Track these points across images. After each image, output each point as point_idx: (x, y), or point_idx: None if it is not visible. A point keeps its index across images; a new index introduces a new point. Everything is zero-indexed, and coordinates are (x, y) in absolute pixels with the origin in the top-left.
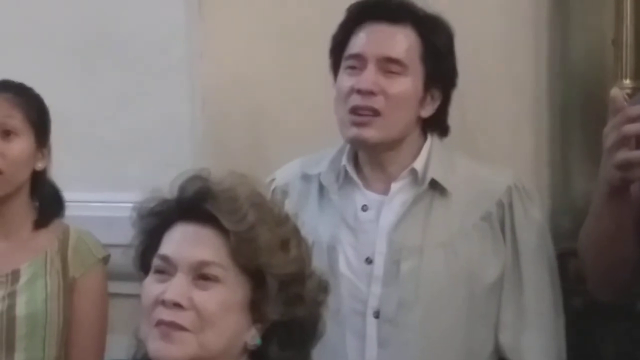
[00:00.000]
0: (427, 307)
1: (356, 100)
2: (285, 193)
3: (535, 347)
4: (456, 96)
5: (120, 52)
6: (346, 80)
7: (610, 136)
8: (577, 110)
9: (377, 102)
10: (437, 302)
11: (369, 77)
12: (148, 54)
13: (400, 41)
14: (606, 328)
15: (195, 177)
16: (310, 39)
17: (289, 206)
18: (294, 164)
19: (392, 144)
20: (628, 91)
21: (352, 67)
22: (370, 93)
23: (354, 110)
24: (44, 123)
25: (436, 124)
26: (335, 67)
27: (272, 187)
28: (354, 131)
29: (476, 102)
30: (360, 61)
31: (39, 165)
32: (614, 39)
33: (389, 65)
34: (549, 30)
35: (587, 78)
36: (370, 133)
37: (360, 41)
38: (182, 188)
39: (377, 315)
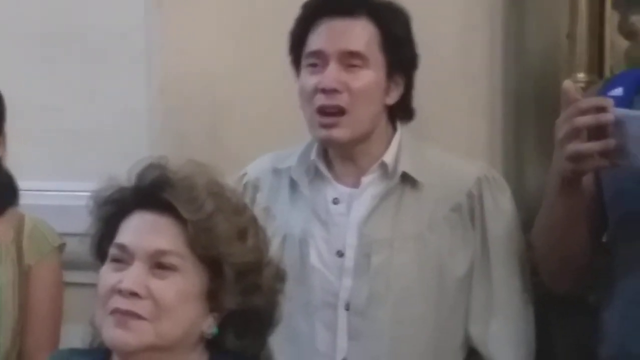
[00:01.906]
0: (397, 299)
1: (321, 99)
2: (256, 188)
3: (502, 336)
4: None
5: (79, 42)
6: (309, 78)
7: (562, 128)
8: (531, 103)
9: (342, 100)
10: (407, 295)
11: (332, 74)
12: (107, 45)
13: (358, 34)
14: (560, 320)
15: (153, 166)
16: (269, 31)
17: (260, 200)
18: (265, 158)
19: (362, 138)
20: (582, 84)
21: (314, 65)
22: (334, 91)
23: (321, 111)
24: None
25: (402, 109)
26: (296, 63)
27: (244, 181)
28: (323, 132)
29: (431, 94)
30: (321, 58)
31: None
32: (568, 32)
33: (350, 59)
34: (505, 24)
35: (542, 71)
36: (340, 133)
37: (318, 38)
38: (140, 176)
39: (348, 307)
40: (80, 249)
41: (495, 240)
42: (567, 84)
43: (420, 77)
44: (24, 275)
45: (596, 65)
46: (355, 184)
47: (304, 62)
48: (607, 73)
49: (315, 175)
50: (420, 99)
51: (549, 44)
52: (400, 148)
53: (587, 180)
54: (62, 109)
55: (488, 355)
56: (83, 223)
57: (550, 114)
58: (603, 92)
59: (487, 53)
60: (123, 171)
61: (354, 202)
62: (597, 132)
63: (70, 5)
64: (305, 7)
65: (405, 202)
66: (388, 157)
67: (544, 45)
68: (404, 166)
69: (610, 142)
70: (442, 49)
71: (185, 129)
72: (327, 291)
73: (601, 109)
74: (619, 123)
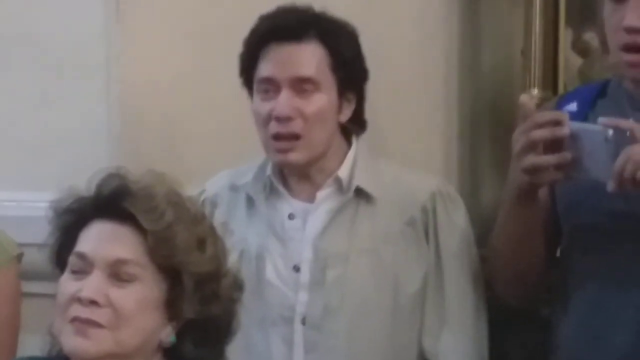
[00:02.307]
0: (352, 313)
1: (275, 127)
2: (214, 204)
3: (454, 349)
4: (367, 104)
5: (37, 52)
6: (262, 105)
7: (519, 141)
8: (486, 118)
9: (296, 126)
10: (362, 309)
11: (284, 102)
12: (65, 55)
13: (308, 59)
14: (514, 334)
15: (113, 175)
16: (227, 44)
17: (218, 216)
18: (223, 175)
19: (317, 158)
20: (536, 101)
21: (266, 91)
22: (288, 118)
23: (276, 137)
24: None
25: (355, 123)
26: (248, 85)
27: (202, 198)
28: (279, 157)
29: (387, 109)
30: (272, 85)
31: None
32: (522, 49)
33: (302, 84)
34: (460, 39)
35: (496, 87)
36: (295, 156)
37: (269, 64)
38: (100, 185)
39: (304, 321)
40: (39, 259)
41: (449, 255)
42: (523, 98)
43: (376, 92)
44: None
45: (550, 81)
46: (311, 199)
47: (256, 87)
48: (561, 89)
49: (271, 191)
50: (375, 114)
51: (503, 60)
52: (354, 163)
53: (542, 192)
54: (19, 118)
55: None
56: (41, 233)
57: (505, 129)
58: (558, 107)
59: (442, 69)
60: (81, 181)
61: (309, 217)
62: (553, 145)
63: (28, 14)
64: (253, 33)
65: (360, 217)
66: (342, 172)
67: (498, 61)
68: (359, 181)
69: (566, 155)
70: (397, 63)
71: (143, 139)
72: (284, 305)
73: (557, 123)
74: (574, 137)
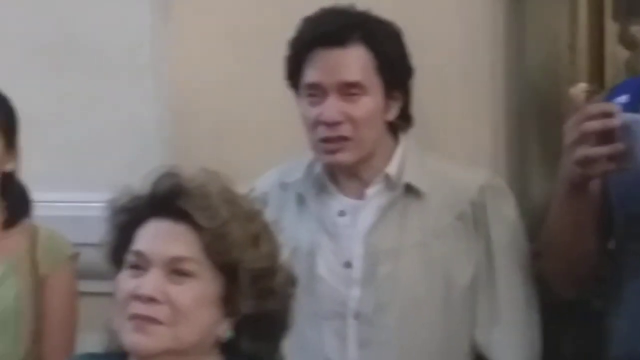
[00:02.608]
0: (404, 308)
1: (324, 132)
2: (264, 202)
3: (506, 342)
4: (415, 100)
5: (89, 54)
6: (309, 110)
7: (570, 133)
8: (533, 113)
9: (345, 130)
10: (413, 303)
11: (332, 107)
12: (116, 56)
13: (353, 64)
14: (565, 326)
15: (168, 174)
16: (274, 43)
17: (268, 214)
18: (272, 173)
19: (366, 158)
20: (584, 94)
21: (313, 95)
22: (336, 123)
23: (325, 141)
24: (12, 125)
25: (401, 119)
26: (295, 87)
27: (251, 196)
28: (328, 158)
29: (435, 106)
30: (319, 90)
31: (8, 167)
32: (569, 43)
33: (348, 89)
34: (506, 34)
35: (543, 81)
36: (344, 157)
37: (315, 71)
38: (155, 184)
39: (356, 316)
40: (95, 258)
41: (499, 248)
42: (575, 90)
43: (423, 88)
44: (39, 285)
45: (597, 75)
46: (360, 196)
47: (303, 92)
48: (607, 82)
49: (320, 189)
50: (423, 110)
51: (549, 54)
52: (403, 159)
53: (594, 184)
54: (73, 120)
55: None
56: (95, 233)
57: (553, 123)
58: (608, 99)
59: (489, 64)
60: (134, 181)
61: (359, 213)
62: (605, 137)
63: (78, 17)
64: (298, 38)
65: (409, 212)
66: (391, 169)
67: (545, 55)
68: (408, 177)
69: (618, 146)
70: (445, 60)
71: (193, 138)
72: (336, 301)
73: (608, 114)
74: (626, 127)
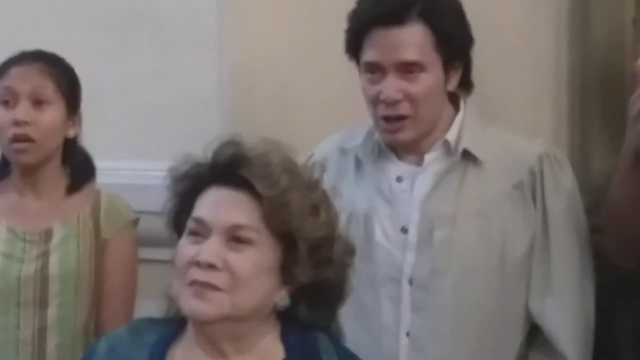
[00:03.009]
0: (459, 274)
1: (383, 110)
2: (323, 167)
3: (559, 310)
4: (477, 75)
5: (153, 27)
6: (369, 88)
7: (636, 105)
8: (596, 90)
9: (404, 109)
10: (469, 270)
11: (391, 86)
12: (179, 30)
13: (411, 43)
14: (624, 304)
15: (229, 143)
16: (335, 17)
17: (327, 179)
18: (332, 139)
19: (427, 132)
20: None
21: (372, 73)
22: (395, 102)
23: (385, 119)
24: (74, 92)
25: (462, 87)
26: (355, 59)
27: (311, 162)
28: (388, 137)
29: (496, 81)
30: (378, 69)
31: (70, 133)
32: (634, 18)
33: (407, 67)
34: (570, 9)
35: (607, 57)
36: (405, 135)
37: (373, 50)
38: (217, 153)
39: (411, 282)
40: (156, 226)
41: (555, 218)
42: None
43: (486, 63)
44: (100, 249)
45: None
46: (419, 162)
47: (362, 68)
48: None
49: (379, 154)
50: (485, 84)
51: (614, 29)
52: (462, 126)
53: None
54: (135, 90)
55: (547, 330)
56: (157, 201)
57: (616, 99)
58: None
59: (553, 39)
60: (195, 151)
61: (417, 179)
62: None
63: None
64: (356, 15)
65: (467, 179)
66: (450, 135)
67: (609, 31)
68: (466, 143)
69: None
70: (507, 33)
71: (253, 111)
72: (392, 266)
73: None
74: None
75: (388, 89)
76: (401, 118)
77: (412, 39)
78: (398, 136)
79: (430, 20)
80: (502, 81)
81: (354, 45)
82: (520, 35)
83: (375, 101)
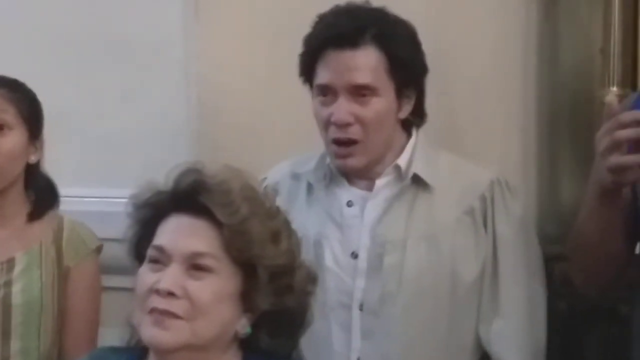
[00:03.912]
0: (409, 299)
1: (334, 132)
2: (275, 191)
3: (505, 335)
4: (446, 101)
5: (118, 51)
6: (321, 110)
7: (603, 141)
8: (565, 117)
9: (355, 133)
10: (419, 295)
11: (342, 109)
12: (145, 54)
13: (364, 66)
14: (590, 331)
15: (190, 170)
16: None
17: (279, 203)
18: (284, 164)
19: (377, 160)
20: (616, 98)
21: (324, 96)
22: (346, 124)
23: (336, 142)
24: (36, 117)
25: (415, 116)
26: (309, 83)
27: (264, 185)
28: (338, 162)
29: (465, 108)
30: (330, 91)
31: (32, 159)
32: (602, 47)
33: (359, 91)
34: (539, 38)
35: (575, 85)
36: (354, 162)
37: (326, 72)
38: (177, 180)
39: (361, 307)
40: (119, 253)
41: (504, 243)
42: (609, 99)
43: (454, 90)
44: (63, 276)
45: (630, 79)
46: (369, 187)
47: (315, 91)
48: None
49: (331, 179)
50: (453, 112)
51: (582, 59)
52: (413, 152)
53: (625, 190)
54: (101, 116)
55: (494, 355)
56: (122, 228)
57: (584, 127)
58: (638, 101)
59: (521, 67)
60: (161, 178)
61: (367, 204)
62: (638, 144)
63: (109, 14)
64: (310, 37)
65: (417, 204)
66: (401, 161)
67: (577, 59)
68: (416, 169)
69: None
70: (476, 61)
71: (221, 136)
72: (342, 292)
73: None
74: None
75: (339, 111)
76: (351, 142)
77: (365, 62)
78: (348, 162)
79: (384, 44)
80: (470, 110)
81: (308, 68)
82: (489, 65)
83: (326, 124)
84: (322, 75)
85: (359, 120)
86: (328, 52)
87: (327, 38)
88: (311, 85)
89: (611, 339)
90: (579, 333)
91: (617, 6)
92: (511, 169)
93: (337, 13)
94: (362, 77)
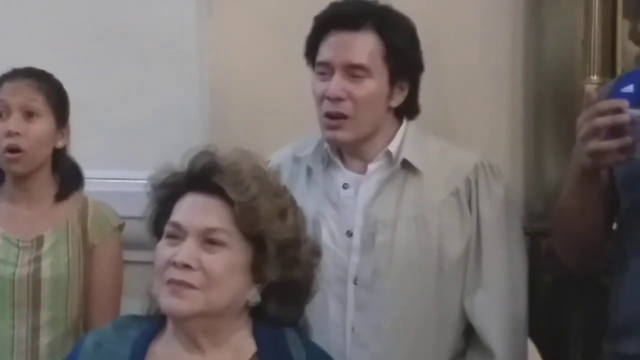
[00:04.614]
0: (399, 275)
1: (327, 106)
2: (278, 174)
3: (487, 308)
4: (439, 90)
5: (137, 44)
6: (318, 85)
7: (583, 127)
8: (549, 105)
9: (345, 108)
10: (408, 271)
11: (336, 84)
12: (162, 47)
13: (362, 47)
14: (574, 300)
15: (204, 153)
16: (305, 35)
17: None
18: (287, 147)
19: (365, 138)
20: (595, 86)
21: (322, 73)
22: (338, 99)
23: (327, 115)
24: (63, 105)
25: (407, 108)
26: (312, 66)
27: (267, 167)
28: (329, 134)
29: (457, 97)
30: (328, 68)
31: (59, 144)
32: (583, 39)
33: (354, 70)
34: (525, 31)
35: (559, 75)
36: (343, 135)
37: (327, 50)
38: (192, 162)
39: (355, 282)
40: (139, 230)
41: (487, 223)
42: (588, 88)
43: (448, 80)
44: (88, 253)
45: (609, 69)
46: (363, 171)
47: (315, 69)
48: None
49: (328, 163)
50: (447, 100)
51: (565, 50)
52: (403, 139)
53: (603, 171)
54: (121, 104)
55: (477, 326)
56: (141, 207)
57: (567, 113)
58: (616, 88)
59: (509, 57)
60: (175, 160)
61: (361, 186)
62: (614, 130)
63: (128, 11)
64: (317, 20)
65: (407, 187)
66: (392, 147)
67: (560, 51)
68: (405, 154)
69: (627, 140)
70: (468, 55)
71: (232, 121)
72: (338, 267)
73: (617, 110)
74: (634, 122)
75: (334, 86)
76: (342, 116)
77: (363, 45)
78: (337, 134)
79: (383, 32)
80: (462, 97)
81: (312, 47)
82: (480, 58)
83: (321, 98)
84: (323, 53)
85: (351, 97)
86: (331, 33)
87: (332, 19)
88: (314, 66)
89: (593, 308)
90: (563, 302)
91: (597, 1)
92: (500, 151)
93: (347, 1)
94: (358, 58)
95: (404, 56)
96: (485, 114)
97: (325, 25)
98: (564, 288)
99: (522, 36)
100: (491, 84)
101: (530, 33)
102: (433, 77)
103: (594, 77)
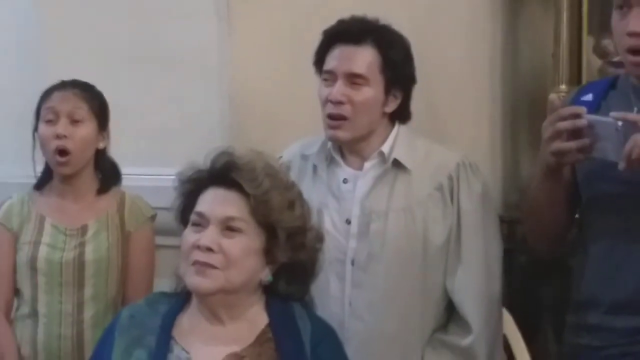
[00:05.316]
0: (390, 259)
1: (330, 108)
2: (288, 169)
3: (465, 287)
4: (427, 97)
5: (168, 61)
6: (323, 90)
7: (547, 130)
8: (524, 110)
9: (345, 110)
10: (398, 254)
11: (338, 89)
12: (187, 62)
13: (362, 59)
14: (545, 278)
15: (224, 153)
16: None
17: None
18: (295, 145)
19: (362, 138)
20: (563, 94)
21: (327, 80)
22: (340, 103)
23: (329, 116)
24: (103, 112)
25: (400, 114)
26: (320, 72)
27: (279, 163)
28: (330, 132)
29: (443, 101)
30: (332, 76)
31: (100, 145)
32: (553, 53)
33: (354, 78)
34: (503, 46)
35: (532, 84)
36: (342, 134)
37: (331, 60)
38: (213, 161)
39: (353, 263)
40: (168, 219)
41: (466, 214)
42: (552, 96)
43: (435, 88)
44: (125, 239)
45: (576, 79)
46: (360, 168)
47: (322, 76)
48: None
49: (331, 160)
50: (435, 106)
51: (537, 62)
52: (395, 141)
53: (565, 168)
54: (153, 112)
55: (457, 302)
56: (170, 199)
57: (539, 117)
58: (577, 97)
59: (489, 68)
60: (198, 158)
61: (358, 181)
62: (574, 133)
63: (159, 31)
64: (325, 34)
65: (397, 183)
66: (385, 147)
67: (534, 63)
68: (397, 154)
69: (585, 141)
70: (452, 66)
71: (249, 127)
72: (338, 250)
73: (577, 116)
74: (591, 126)
75: (336, 91)
76: (342, 118)
77: (363, 57)
78: (337, 133)
79: (381, 47)
80: (447, 103)
81: (320, 57)
82: (463, 66)
83: (325, 101)
84: (328, 63)
85: (351, 101)
86: (336, 46)
87: (338, 33)
88: (321, 73)
89: (561, 284)
90: (536, 280)
91: (565, 19)
92: (481, 149)
93: (352, 19)
94: (359, 68)
95: (398, 69)
96: (469, 118)
97: (331, 39)
98: (536, 268)
99: (500, 50)
100: (473, 91)
101: (508, 47)
102: (423, 84)
103: (563, 86)
